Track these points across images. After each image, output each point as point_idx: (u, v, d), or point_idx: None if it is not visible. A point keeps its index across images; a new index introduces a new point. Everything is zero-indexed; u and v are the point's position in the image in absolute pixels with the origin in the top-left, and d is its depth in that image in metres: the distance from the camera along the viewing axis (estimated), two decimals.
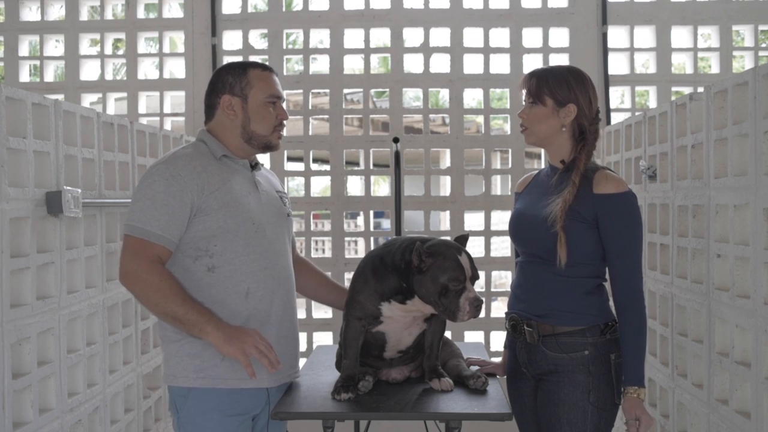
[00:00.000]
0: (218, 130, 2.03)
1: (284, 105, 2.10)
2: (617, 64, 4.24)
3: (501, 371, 2.21)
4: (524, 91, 2.06)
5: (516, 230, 2.10)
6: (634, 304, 1.95)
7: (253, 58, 4.12)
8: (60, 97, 4.08)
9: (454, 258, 1.85)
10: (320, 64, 4.77)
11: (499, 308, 6.53)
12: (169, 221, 1.85)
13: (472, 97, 9.85)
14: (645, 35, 4.20)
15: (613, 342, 1.98)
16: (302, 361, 2.39)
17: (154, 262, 1.83)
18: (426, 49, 4.16)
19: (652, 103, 4.18)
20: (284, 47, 4.24)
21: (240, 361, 1.79)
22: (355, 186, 8.75)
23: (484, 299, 1.80)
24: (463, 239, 1.97)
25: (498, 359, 2.30)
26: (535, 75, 2.04)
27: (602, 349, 1.96)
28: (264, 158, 2.18)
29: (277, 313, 1.98)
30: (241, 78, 2.01)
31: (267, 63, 3.49)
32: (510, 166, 4.15)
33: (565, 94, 2.00)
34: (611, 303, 2.03)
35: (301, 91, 4.17)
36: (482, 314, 1.96)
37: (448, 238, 2.35)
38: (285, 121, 2.07)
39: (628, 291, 1.94)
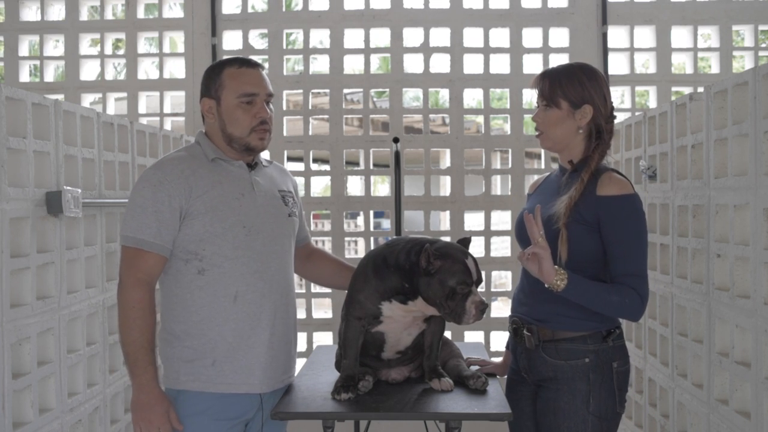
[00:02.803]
0: (209, 133, 2.02)
1: (270, 100, 1.99)
2: (617, 64, 4.24)
3: (501, 371, 2.20)
4: (536, 92, 2.00)
5: (520, 230, 2.05)
6: (632, 303, 1.84)
7: (252, 58, 4.10)
8: (60, 97, 4.08)
9: (462, 261, 1.83)
10: (320, 64, 4.76)
11: (499, 308, 6.55)
12: (160, 227, 1.85)
13: (472, 97, 9.86)
14: (645, 35, 4.20)
15: (616, 349, 1.93)
16: (302, 362, 2.39)
17: (142, 283, 1.85)
18: (426, 49, 4.16)
19: (652, 103, 4.18)
20: (284, 47, 4.23)
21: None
22: (355, 186, 8.74)
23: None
24: (465, 242, 1.95)
25: (498, 359, 2.29)
26: (548, 76, 1.97)
27: (604, 356, 1.91)
28: (264, 157, 2.16)
29: (268, 316, 1.95)
30: (215, 79, 1.97)
31: (261, 60, 3.40)
32: (510, 166, 4.14)
33: (579, 95, 1.93)
34: None
35: (301, 91, 4.18)
36: None
37: (448, 238, 2.35)
38: (267, 119, 1.96)
39: (629, 295, 1.84)
